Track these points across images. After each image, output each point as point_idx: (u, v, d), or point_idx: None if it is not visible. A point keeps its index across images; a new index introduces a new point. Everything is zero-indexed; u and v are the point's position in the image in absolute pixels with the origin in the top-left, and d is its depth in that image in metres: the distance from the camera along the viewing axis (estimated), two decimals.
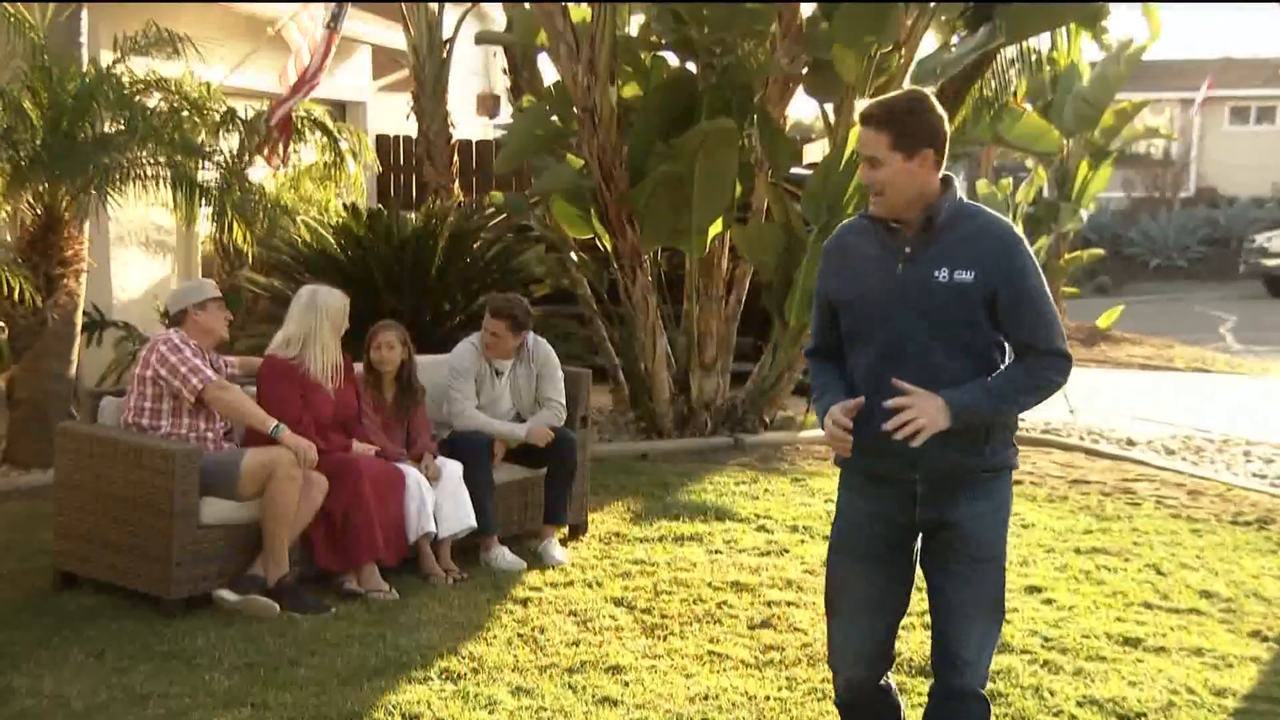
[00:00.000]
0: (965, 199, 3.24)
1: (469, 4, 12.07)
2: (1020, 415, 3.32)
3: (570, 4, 8.69)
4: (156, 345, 5.48)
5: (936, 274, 3.15)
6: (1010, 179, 17.62)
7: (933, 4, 8.98)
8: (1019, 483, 7.99)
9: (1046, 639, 5.10)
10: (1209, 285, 25.57)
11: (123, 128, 7.32)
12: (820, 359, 3.43)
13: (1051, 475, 8.24)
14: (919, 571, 3.36)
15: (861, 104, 3.22)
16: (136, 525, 5.26)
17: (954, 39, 9.65)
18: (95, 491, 5.40)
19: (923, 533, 3.29)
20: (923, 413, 3.09)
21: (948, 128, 3.22)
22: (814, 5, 8.98)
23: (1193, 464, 8.85)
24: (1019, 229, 3.18)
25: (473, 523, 5.89)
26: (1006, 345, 3.23)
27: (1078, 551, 6.41)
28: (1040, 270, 3.21)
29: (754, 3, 8.54)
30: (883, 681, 3.43)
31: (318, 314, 5.70)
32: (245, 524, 5.36)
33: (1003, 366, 3.22)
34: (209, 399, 5.43)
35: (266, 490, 5.31)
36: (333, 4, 8.95)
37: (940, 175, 3.22)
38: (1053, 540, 6.61)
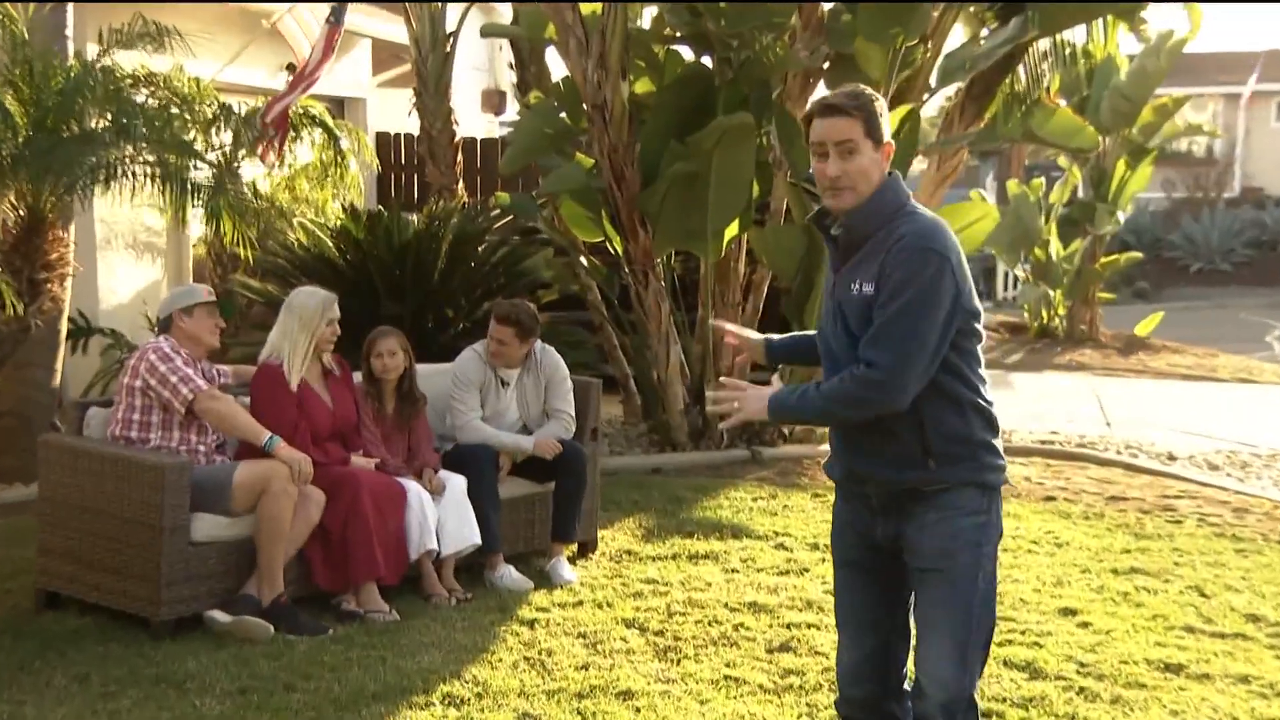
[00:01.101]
0: (913, 207, 3.26)
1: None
2: (983, 429, 3.33)
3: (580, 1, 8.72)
4: (146, 353, 5.49)
5: (853, 287, 3.24)
6: (1043, 179, 17.61)
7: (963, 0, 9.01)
8: (1052, 498, 7.98)
9: (1082, 664, 5.09)
10: (1255, 291, 25.48)
11: (109, 124, 7.35)
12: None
13: (1087, 491, 8.23)
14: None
15: (838, 95, 3.25)
16: (124, 543, 5.28)
17: (983, 32, 9.66)
18: (80, 507, 5.42)
19: (890, 550, 3.39)
20: (743, 400, 3.33)
21: None
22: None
23: (1238, 480, 8.82)
24: (942, 242, 3.18)
25: (477, 540, 5.90)
26: (967, 367, 3.25)
27: (1115, 572, 6.40)
28: (933, 295, 3.14)
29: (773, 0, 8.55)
30: (889, 708, 3.46)
31: (289, 313, 5.74)
32: (238, 541, 5.37)
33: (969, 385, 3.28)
34: (200, 410, 5.44)
35: (260, 506, 5.33)
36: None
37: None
38: (1088, 560, 6.60)
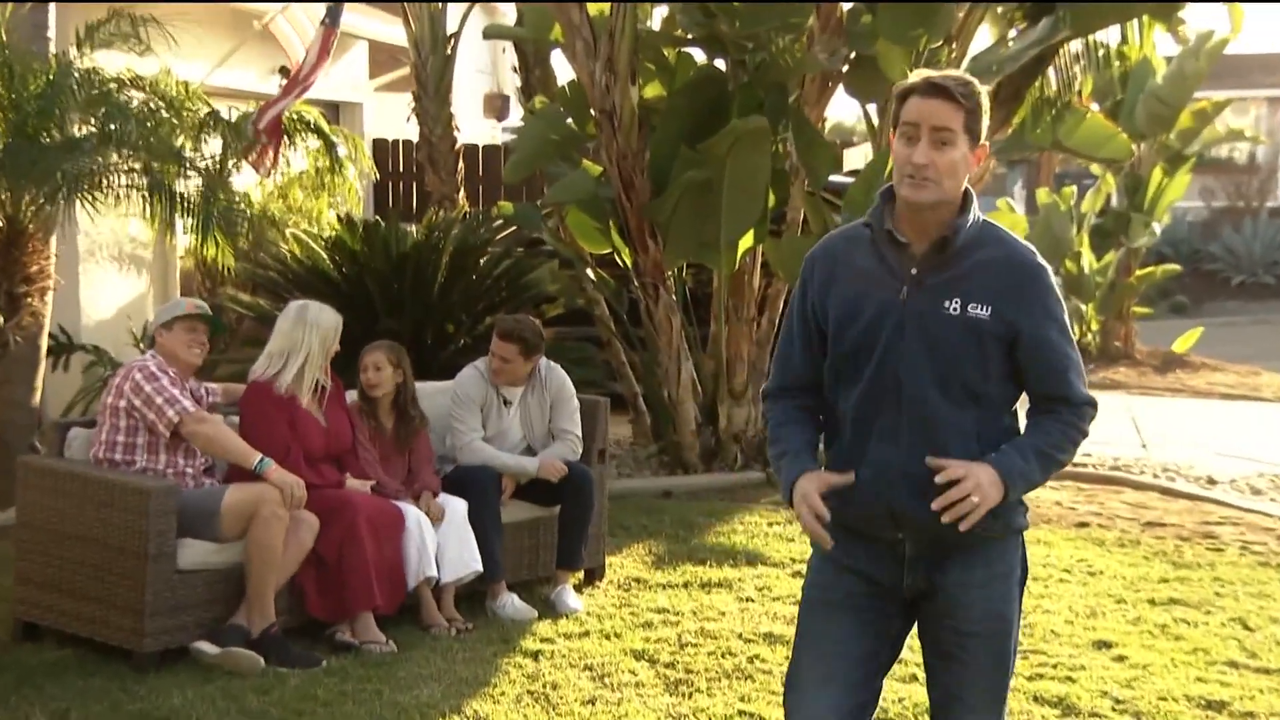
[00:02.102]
0: (987, 219, 3.13)
1: None
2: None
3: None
4: (130, 372, 5.50)
5: (947, 304, 3.02)
6: (1074, 187, 17.60)
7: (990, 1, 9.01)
8: (1084, 524, 7.96)
9: (1118, 701, 5.07)
10: None
11: (93, 130, 7.37)
12: (785, 401, 3.25)
13: (1122, 517, 8.21)
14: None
15: (923, 72, 3.07)
16: (106, 570, 5.28)
17: (1011, 33, 9.66)
18: (61, 533, 5.43)
19: (910, 602, 3.17)
20: (976, 488, 2.94)
21: None
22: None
23: None
24: (1045, 262, 3.12)
25: (478, 567, 5.90)
26: (1012, 397, 3.14)
27: (1152, 603, 6.38)
28: (1064, 307, 3.14)
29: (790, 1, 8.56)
30: None
31: (307, 329, 5.73)
32: (227, 568, 5.38)
33: (1023, 422, 3.13)
34: (186, 434, 5.45)
35: (249, 532, 5.33)
36: None
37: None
38: (1124, 590, 6.58)
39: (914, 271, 3.06)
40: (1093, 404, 3.12)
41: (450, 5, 11.34)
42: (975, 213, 3.08)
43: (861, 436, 3.10)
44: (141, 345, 8.87)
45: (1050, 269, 3.10)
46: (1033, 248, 3.12)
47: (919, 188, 3.01)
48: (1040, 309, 3.05)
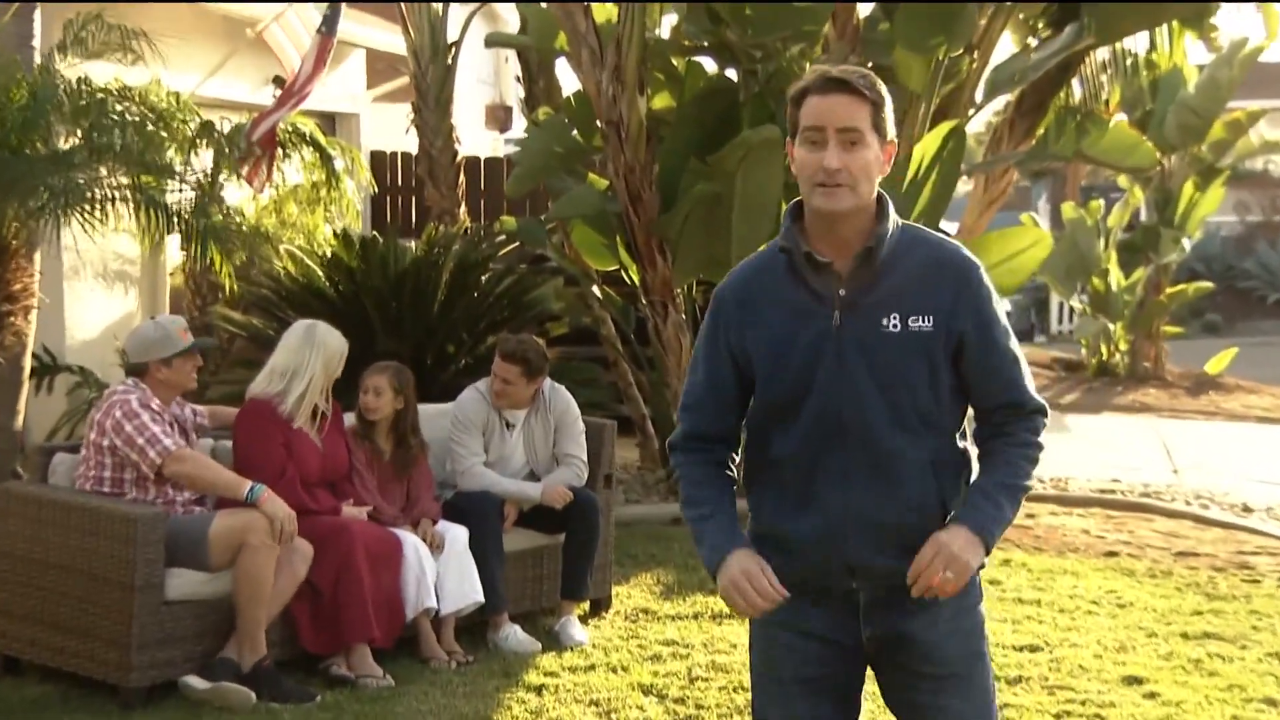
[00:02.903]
0: (905, 222, 2.99)
1: (477, 3, 12.20)
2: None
3: (594, 2, 8.77)
4: (111, 410, 5.45)
5: (885, 322, 2.86)
6: (1101, 201, 17.61)
7: (1010, 1, 9.02)
8: (1113, 554, 7.94)
9: None
10: None
11: (79, 143, 7.39)
12: (699, 455, 3.05)
13: (1153, 546, 8.19)
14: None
15: (847, 71, 2.90)
16: (91, 602, 5.28)
17: (1034, 41, 9.68)
18: (44, 562, 5.43)
19: (873, 657, 3.01)
20: (948, 559, 2.82)
21: None
22: (873, 5, 9.02)
23: None
24: (975, 257, 2.98)
25: (480, 598, 5.89)
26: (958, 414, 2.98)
27: (1185, 636, 6.36)
28: (1001, 303, 3.00)
29: (805, 1, 8.58)
30: None
31: (314, 350, 5.74)
32: (216, 599, 5.37)
33: (972, 448, 2.97)
34: (168, 475, 5.42)
35: (237, 562, 5.31)
36: (325, 3, 9.03)
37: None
38: (1155, 623, 6.56)
39: (842, 293, 2.89)
40: (1043, 411, 2.98)
41: (451, 13, 11.37)
42: (894, 217, 2.93)
43: (804, 481, 2.93)
44: (124, 369, 8.87)
45: (982, 265, 2.97)
46: (958, 243, 3.01)
47: (833, 196, 2.85)
48: (982, 309, 2.91)
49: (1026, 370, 2.97)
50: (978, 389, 2.95)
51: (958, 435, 2.98)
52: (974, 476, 2.97)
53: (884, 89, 2.90)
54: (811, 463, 2.91)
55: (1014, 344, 2.96)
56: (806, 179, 2.87)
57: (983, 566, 2.93)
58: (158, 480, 5.47)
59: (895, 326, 2.87)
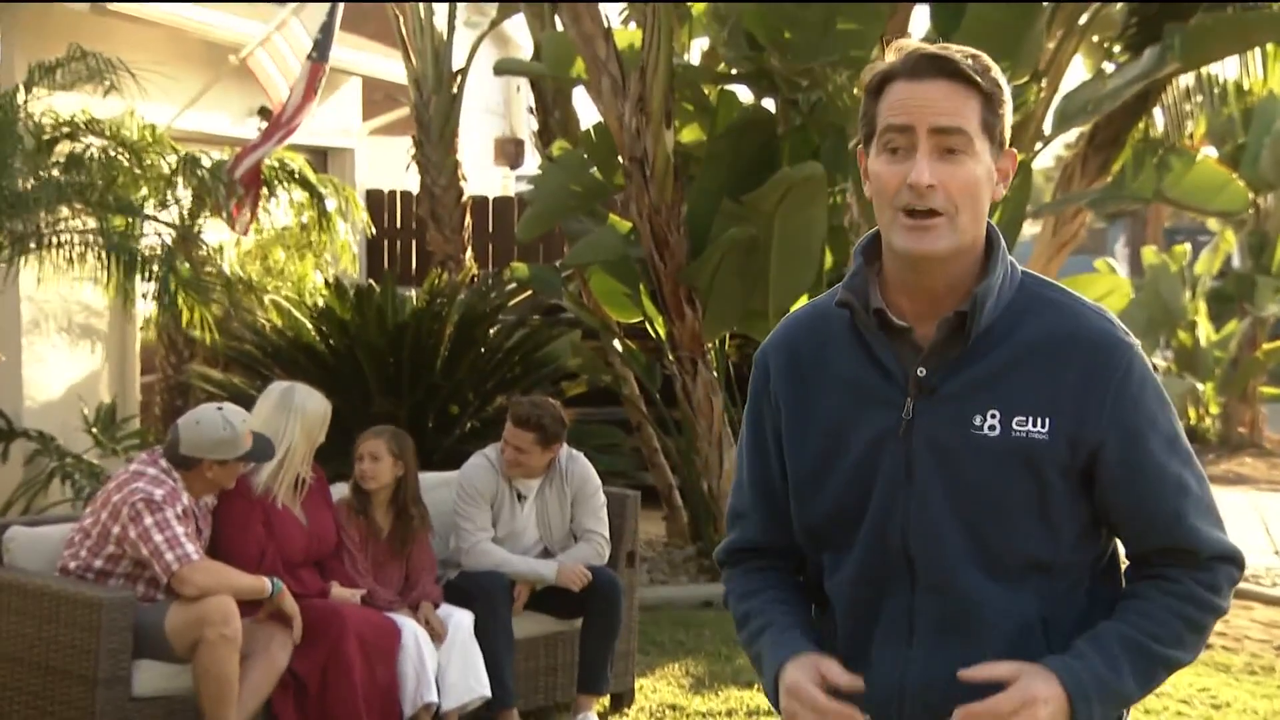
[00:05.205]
0: (1025, 271, 2.41)
1: (483, 24, 12.29)
2: None
3: (617, 26, 8.82)
4: (133, 498, 5.33)
5: (979, 421, 2.28)
6: (1188, 244, 17.60)
7: (1083, 20, 9.06)
8: (1207, 647, 7.85)
9: None
10: None
11: (42, 181, 7.44)
12: (749, 564, 2.59)
13: (1252, 638, 8.12)
14: None
15: (950, 49, 2.36)
16: (49, 698, 5.28)
17: (1110, 66, 9.72)
18: None
19: None
20: (1023, 707, 2.19)
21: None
22: (927, 25, 9.07)
23: None
24: (1131, 336, 2.36)
25: (486, 691, 5.88)
26: (1103, 551, 2.41)
27: None
28: (1173, 407, 2.37)
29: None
30: None
31: (290, 417, 5.74)
32: (189, 695, 5.35)
33: (1123, 595, 2.38)
34: (177, 582, 5.29)
35: (195, 658, 5.25)
36: (317, 28, 9.10)
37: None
38: None
39: (921, 372, 2.31)
40: (1233, 558, 2.36)
41: (456, 38, 11.46)
42: (1005, 265, 2.33)
43: (859, 630, 2.41)
44: (101, 437, 8.91)
45: (1139, 346, 2.35)
46: (1109, 313, 2.38)
47: (925, 234, 2.24)
48: (1133, 411, 2.29)
49: (1206, 499, 2.36)
50: (1125, 526, 2.37)
51: (1089, 581, 2.39)
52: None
53: (1001, 77, 2.35)
54: (867, 607, 2.40)
55: (1183, 462, 2.34)
56: (885, 203, 2.28)
57: None
58: (152, 578, 5.42)
59: (994, 429, 2.29)
